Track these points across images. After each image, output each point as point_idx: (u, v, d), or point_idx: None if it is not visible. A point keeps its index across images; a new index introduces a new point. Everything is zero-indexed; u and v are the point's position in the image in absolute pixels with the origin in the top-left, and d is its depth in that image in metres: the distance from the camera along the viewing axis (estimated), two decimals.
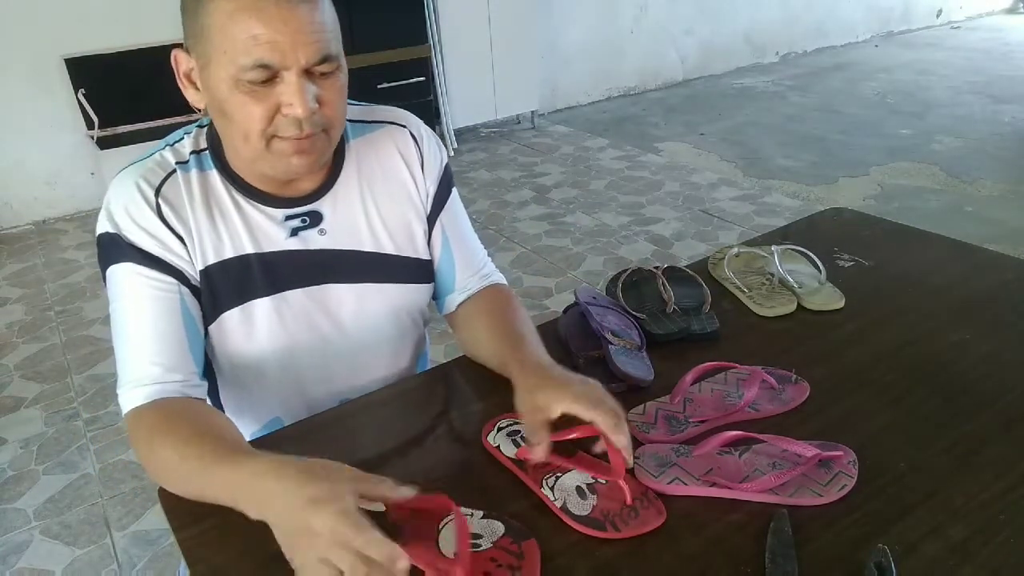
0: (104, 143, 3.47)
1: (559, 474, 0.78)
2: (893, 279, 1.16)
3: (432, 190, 1.00)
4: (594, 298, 1.07)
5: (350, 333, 0.99)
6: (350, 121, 0.96)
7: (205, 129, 0.91)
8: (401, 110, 1.02)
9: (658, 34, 5.65)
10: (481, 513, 0.73)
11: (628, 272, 1.17)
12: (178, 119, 3.70)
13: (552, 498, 0.75)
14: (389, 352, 1.05)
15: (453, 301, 1.04)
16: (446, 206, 1.02)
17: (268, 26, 0.74)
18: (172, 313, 0.85)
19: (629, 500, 0.74)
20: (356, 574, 0.59)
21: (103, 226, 0.86)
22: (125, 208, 0.85)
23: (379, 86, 3.92)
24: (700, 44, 5.93)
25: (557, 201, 3.68)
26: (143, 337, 0.84)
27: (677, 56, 5.86)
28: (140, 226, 0.84)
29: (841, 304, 1.08)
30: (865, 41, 7.01)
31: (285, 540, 0.65)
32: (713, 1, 5.83)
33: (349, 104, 0.98)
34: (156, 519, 1.83)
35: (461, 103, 4.41)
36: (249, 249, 0.90)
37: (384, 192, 0.97)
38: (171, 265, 0.86)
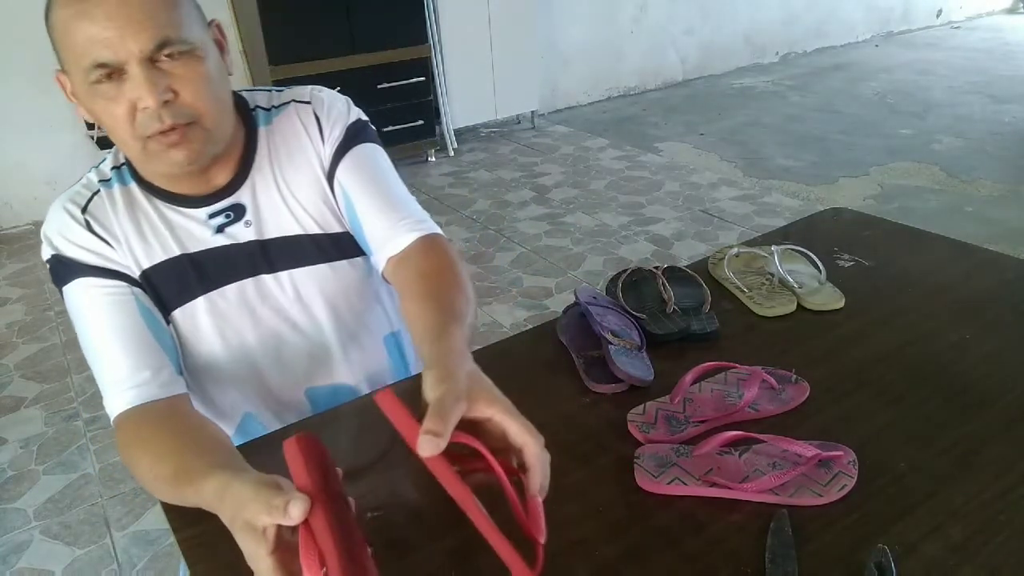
0: (104, 143, 3.47)
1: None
2: (893, 279, 1.16)
3: (330, 154, 0.95)
4: (594, 298, 1.07)
5: (296, 321, 0.99)
6: (260, 108, 0.96)
7: None
8: (309, 86, 0.99)
9: (658, 34, 5.65)
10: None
11: (628, 272, 1.17)
12: None
13: None
14: (345, 336, 1.03)
15: (380, 261, 0.92)
16: (346, 160, 0.95)
17: (96, 24, 0.74)
18: (130, 313, 0.87)
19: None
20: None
21: (45, 253, 0.89)
22: (59, 232, 0.88)
23: (379, 86, 3.92)
24: (700, 44, 5.93)
25: (557, 201, 3.68)
26: (109, 341, 0.85)
27: (677, 56, 5.86)
28: (76, 244, 0.87)
29: (841, 304, 1.08)
30: (865, 41, 7.01)
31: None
32: (713, 1, 5.83)
33: (257, 91, 0.98)
34: (156, 519, 1.83)
35: (461, 103, 4.41)
36: (177, 251, 0.91)
37: (294, 170, 0.95)
38: (115, 271, 0.88)
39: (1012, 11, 8.01)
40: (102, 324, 0.86)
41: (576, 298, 1.08)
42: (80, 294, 0.87)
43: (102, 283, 0.87)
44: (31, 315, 2.87)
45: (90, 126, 3.54)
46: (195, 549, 0.74)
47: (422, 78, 4.13)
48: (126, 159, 0.92)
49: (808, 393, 0.90)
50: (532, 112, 4.89)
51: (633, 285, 1.15)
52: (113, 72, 0.76)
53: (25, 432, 2.19)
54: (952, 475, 0.77)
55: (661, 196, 3.68)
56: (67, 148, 3.70)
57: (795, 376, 0.92)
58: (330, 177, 0.96)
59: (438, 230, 0.94)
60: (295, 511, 0.55)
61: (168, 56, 0.77)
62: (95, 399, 2.32)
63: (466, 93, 4.39)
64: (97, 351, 0.86)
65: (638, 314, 1.06)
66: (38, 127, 3.61)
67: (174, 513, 0.78)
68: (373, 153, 0.97)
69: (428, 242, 0.90)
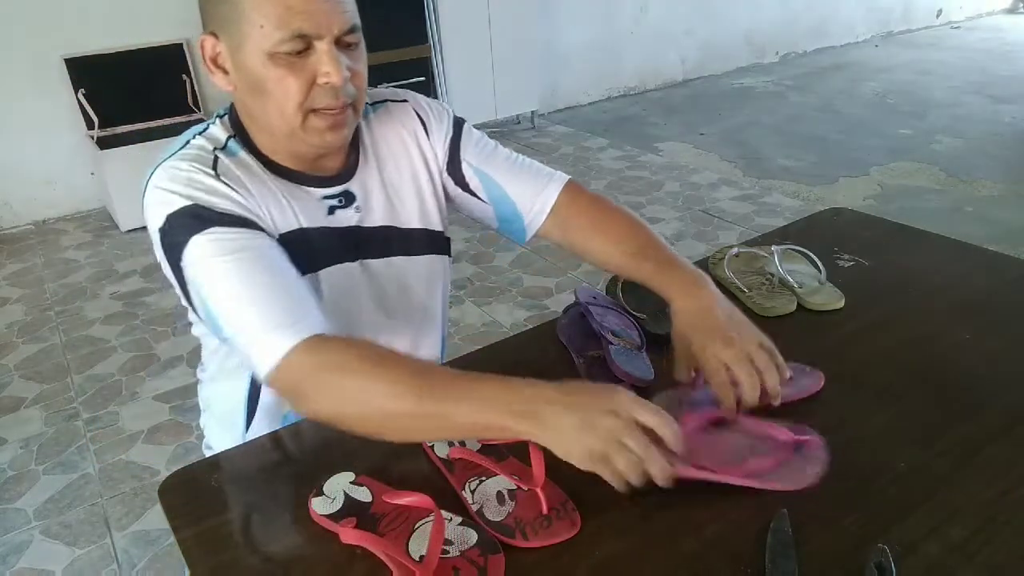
0: (104, 143, 3.47)
1: (484, 478, 0.78)
2: (893, 279, 1.16)
3: (444, 147, 1.02)
4: (594, 298, 1.07)
5: (386, 308, 1.02)
6: None
7: (226, 117, 0.92)
8: (399, 88, 1.07)
9: (658, 34, 5.65)
10: (460, 519, 0.73)
11: None
12: (178, 119, 3.70)
13: (471, 501, 0.76)
14: (418, 328, 1.08)
15: (533, 224, 1.02)
16: (462, 144, 1.03)
17: None
18: (276, 258, 0.81)
19: (544, 510, 0.73)
20: (647, 453, 0.67)
21: (170, 207, 0.80)
22: (190, 185, 0.81)
23: (379, 86, 3.91)
24: (700, 44, 5.93)
25: None
26: (267, 282, 0.78)
27: (677, 56, 5.85)
28: (214, 194, 0.81)
29: (841, 304, 1.08)
30: (865, 41, 7.01)
31: (572, 435, 0.68)
32: (713, 1, 5.83)
33: None
34: (156, 519, 1.82)
35: (461, 103, 4.40)
36: (303, 223, 0.92)
37: (396, 167, 1.00)
38: (255, 223, 0.83)
39: (1012, 11, 8.00)
40: (246, 267, 0.78)
41: (576, 298, 1.08)
42: (218, 242, 0.78)
43: (244, 232, 0.80)
44: (31, 315, 2.87)
45: (89, 126, 3.53)
46: (195, 549, 0.74)
47: (422, 78, 4.13)
48: (236, 131, 0.90)
49: (823, 382, 0.90)
50: (532, 112, 4.89)
51: (633, 285, 1.15)
52: (305, 45, 0.80)
53: (25, 432, 2.19)
54: (952, 475, 0.77)
55: (661, 196, 3.68)
56: (67, 148, 3.70)
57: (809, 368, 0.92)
58: (453, 165, 1.02)
59: (568, 177, 1.03)
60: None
61: (349, 41, 0.83)
62: (95, 399, 2.32)
63: (466, 93, 4.39)
64: (249, 295, 0.77)
65: (638, 314, 1.06)
66: (38, 127, 3.61)
67: (174, 513, 0.78)
68: (480, 133, 1.06)
69: (570, 188, 1.02)
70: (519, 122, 5.00)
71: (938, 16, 7.54)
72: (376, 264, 1.00)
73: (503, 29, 4.34)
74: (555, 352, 1.03)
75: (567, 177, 1.02)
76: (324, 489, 0.77)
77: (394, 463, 0.83)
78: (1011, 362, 0.95)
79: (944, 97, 5.02)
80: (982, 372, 0.93)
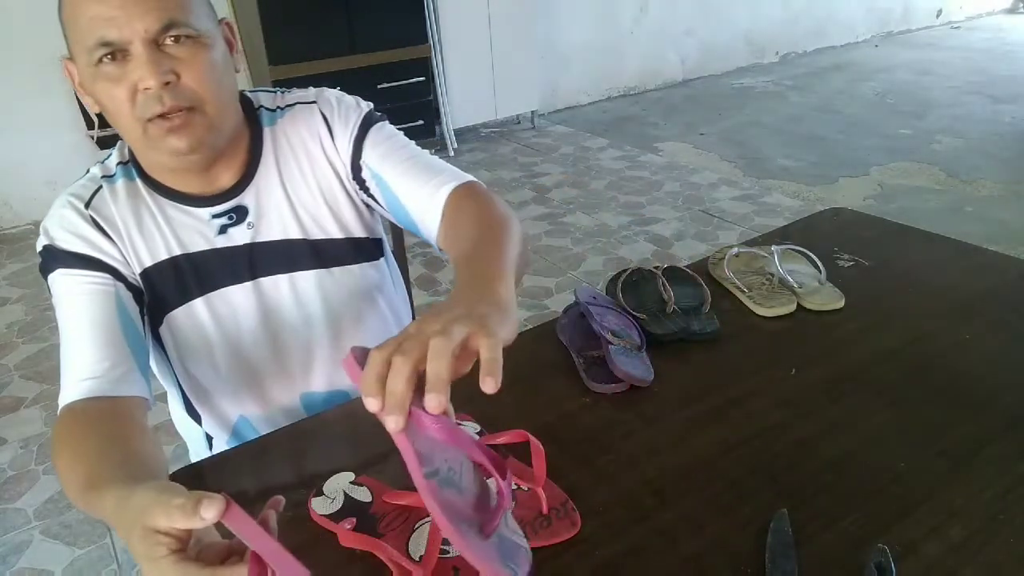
0: (104, 143, 3.47)
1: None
2: (893, 279, 1.16)
3: (348, 148, 0.95)
4: (594, 298, 1.07)
5: (294, 325, 0.98)
6: (264, 108, 0.96)
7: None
8: (314, 88, 0.99)
9: (658, 34, 5.65)
10: None
11: (628, 272, 1.17)
12: None
13: None
14: (343, 341, 1.02)
15: (430, 233, 0.90)
16: (365, 145, 0.94)
17: (104, 4, 0.74)
18: (104, 306, 0.84)
19: (544, 510, 0.73)
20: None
21: (40, 243, 0.88)
22: (58, 223, 0.87)
23: (379, 86, 3.92)
24: (700, 44, 5.93)
25: (557, 201, 3.68)
26: (77, 332, 0.83)
27: (677, 56, 5.86)
28: (72, 233, 0.86)
29: (841, 304, 1.08)
30: (865, 41, 7.01)
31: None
32: (713, 1, 5.83)
33: (260, 91, 0.97)
34: None
35: (461, 103, 4.41)
36: (178, 251, 0.91)
37: (301, 175, 0.95)
38: (103, 262, 0.86)
39: (1012, 11, 8.01)
40: (75, 314, 0.83)
41: (576, 298, 1.08)
42: (61, 283, 0.85)
43: (84, 273, 0.85)
44: (31, 315, 2.87)
45: (89, 126, 3.54)
46: None
47: (422, 78, 4.13)
48: (132, 154, 0.91)
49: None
50: (532, 112, 4.89)
51: (633, 285, 1.15)
52: (117, 53, 0.76)
53: (25, 432, 2.19)
54: (952, 475, 0.77)
55: (661, 196, 3.68)
56: (67, 148, 3.70)
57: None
58: (355, 170, 0.95)
59: (470, 178, 0.90)
60: (209, 511, 0.48)
61: (173, 39, 0.77)
62: None
63: (466, 93, 4.39)
64: (65, 340, 0.83)
65: (638, 314, 1.06)
66: (38, 127, 3.61)
67: None
68: (392, 131, 0.96)
69: (459, 192, 0.87)
70: (519, 122, 5.00)
71: (938, 16, 7.54)
72: (275, 282, 0.95)
73: (503, 29, 4.34)
74: (555, 352, 1.03)
75: (465, 180, 0.89)
76: (324, 489, 0.77)
77: (395, 463, 0.83)
78: (1011, 362, 0.95)
79: (944, 97, 5.02)
80: (982, 372, 0.93)
